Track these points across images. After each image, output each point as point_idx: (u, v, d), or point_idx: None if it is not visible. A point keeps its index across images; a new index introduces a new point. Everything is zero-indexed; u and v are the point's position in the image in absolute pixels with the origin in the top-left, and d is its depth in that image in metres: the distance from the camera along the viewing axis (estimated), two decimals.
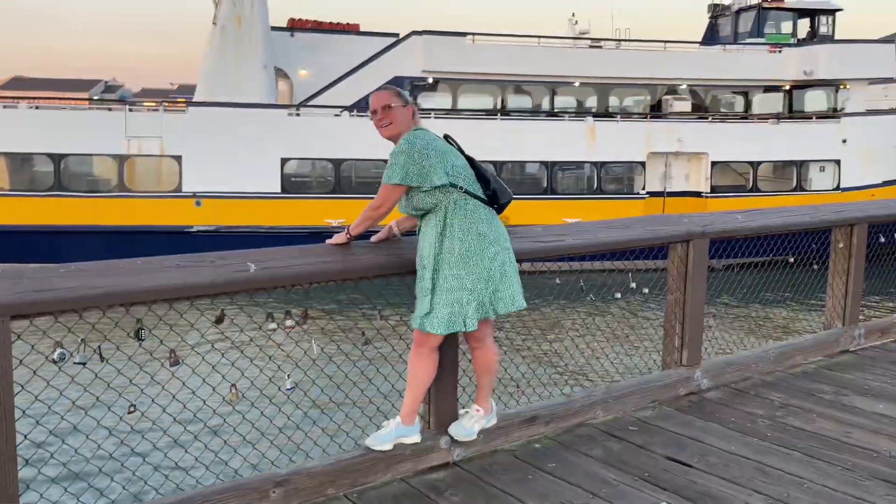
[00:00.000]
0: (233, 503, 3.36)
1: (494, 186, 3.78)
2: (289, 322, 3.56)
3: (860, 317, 6.30)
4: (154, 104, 23.02)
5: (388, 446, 3.80)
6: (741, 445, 4.33)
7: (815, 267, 6.73)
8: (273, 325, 3.57)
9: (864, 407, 4.97)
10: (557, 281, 4.94)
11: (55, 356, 3.04)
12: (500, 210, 3.84)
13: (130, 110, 21.37)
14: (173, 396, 3.63)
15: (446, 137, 3.84)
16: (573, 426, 4.52)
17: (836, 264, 6.18)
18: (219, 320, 3.44)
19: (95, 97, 32.90)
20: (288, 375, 3.89)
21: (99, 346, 3.12)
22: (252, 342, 4.12)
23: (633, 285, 5.12)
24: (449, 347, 3.94)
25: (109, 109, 22.38)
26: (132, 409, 3.29)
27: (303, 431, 4.25)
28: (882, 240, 6.56)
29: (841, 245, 6.15)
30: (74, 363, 3.12)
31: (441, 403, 4.00)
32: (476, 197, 3.71)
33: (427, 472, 3.91)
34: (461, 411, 4.02)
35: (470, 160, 3.80)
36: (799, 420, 4.73)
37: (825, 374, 5.65)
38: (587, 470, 3.99)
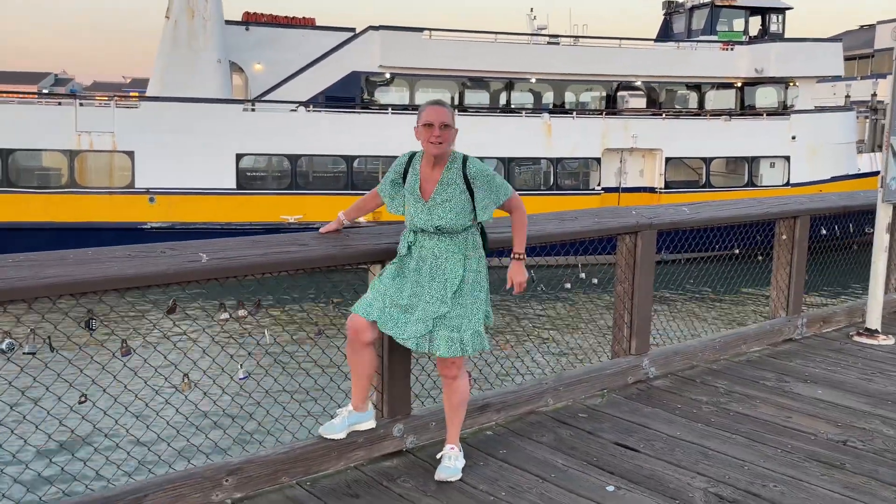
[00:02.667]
0: (185, 492, 3.38)
1: None
2: (241, 312, 3.58)
3: (802, 307, 6.50)
4: (105, 98, 22.59)
5: (341, 435, 3.85)
6: (686, 431, 4.46)
7: (760, 258, 6.92)
8: (225, 315, 3.58)
9: (805, 393, 5.14)
10: None
11: (3, 346, 3.02)
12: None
13: (81, 104, 20.95)
14: (125, 386, 3.63)
15: None
16: (524, 414, 4.61)
17: (780, 256, 6.36)
18: (171, 310, 3.45)
19: (45, 90, 32.19)
20: (241, 365, 3.91)
21: (49, 337, 3.11)
22: (205, 332, 4.13)
23: (583, 275, 5.23)
24: None
25: (59, 103, 21.94)
26: (83, 399, 3.29)
27: (256, 420, 4.27)
28: (823, 232, 6.76)
29: (784, 237, 6.33)
30: (24, 353, 3.11)
31: (394, 391, 4.06)
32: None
33: (380, 459, 3.97)
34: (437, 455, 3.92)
35: None
36: (742, 406, 4.88)
37: (769, 361, 5.82)
38: (537, 456, 4.08)
